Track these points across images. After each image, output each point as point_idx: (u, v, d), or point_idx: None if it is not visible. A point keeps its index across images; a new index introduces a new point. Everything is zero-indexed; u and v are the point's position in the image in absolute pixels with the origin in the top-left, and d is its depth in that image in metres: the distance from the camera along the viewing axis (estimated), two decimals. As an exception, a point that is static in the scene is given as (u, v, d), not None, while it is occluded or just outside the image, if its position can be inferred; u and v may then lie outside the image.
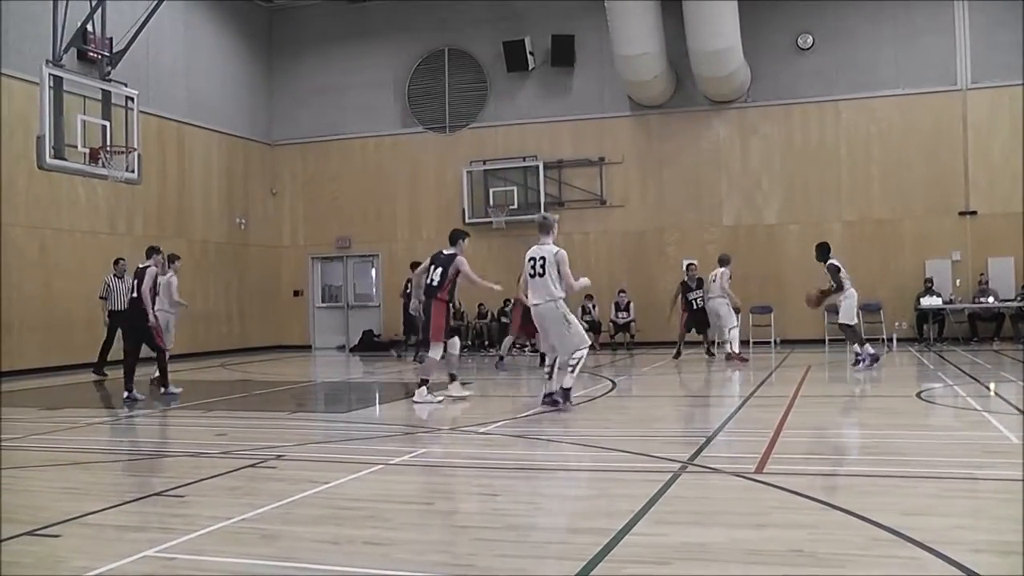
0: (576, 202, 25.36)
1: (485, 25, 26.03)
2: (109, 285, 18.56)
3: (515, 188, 25.34)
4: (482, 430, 10.22)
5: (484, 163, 25.87)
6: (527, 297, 11.72)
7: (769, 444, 8.55)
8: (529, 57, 25.36)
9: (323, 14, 27.64)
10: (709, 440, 8.93)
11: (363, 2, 26.96)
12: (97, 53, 18.28)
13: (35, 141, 16.16)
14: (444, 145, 26.54)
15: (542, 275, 11.05)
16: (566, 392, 11.32)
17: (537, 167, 25.27)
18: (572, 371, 11.23)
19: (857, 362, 16.23)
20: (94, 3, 17.28)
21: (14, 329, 19.28)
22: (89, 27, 17.87)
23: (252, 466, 8.17)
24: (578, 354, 11.22)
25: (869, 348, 16.37)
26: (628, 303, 23.76)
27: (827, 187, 23.65)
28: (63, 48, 16.94)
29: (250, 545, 5.60)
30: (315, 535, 5.77)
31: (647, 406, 13.08)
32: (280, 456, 8.59)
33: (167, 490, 7.19)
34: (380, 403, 13.49)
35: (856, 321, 16.85)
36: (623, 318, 23.79)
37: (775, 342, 23.16)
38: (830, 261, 16.43)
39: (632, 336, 23.68)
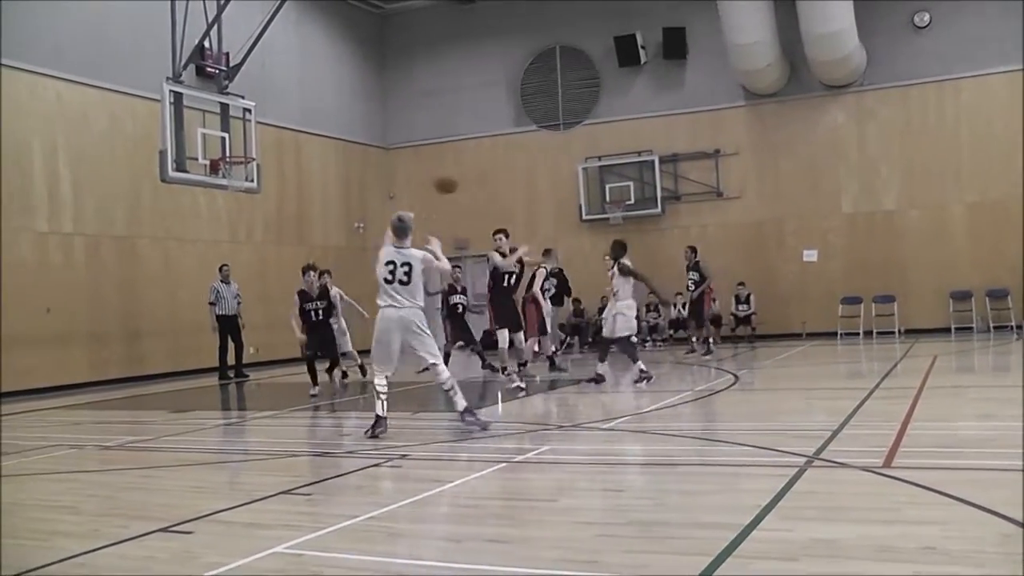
0: (693, 195, 25.11)
1: (595, 21, 25.89)
2: (217, 290, 19.08)
3: (631, 183, 25.20)
4: (605, 426, 10.21)
5: (599, 159, 25.79)
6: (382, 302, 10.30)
7: (897, 437, 8.35)
8: (640, 51, 25.20)
9: (433, 17, 27.85)
10: (835, 434, 8.74)
11: (473, 3, 27.11)
12: (214, 68, 18.78)
13: (158, 156, 16.65)
14: (558, 143, 26.51)
15: (407, 282, 10.10)
16: (467, 412, 10.18)
17: (652, 161, 25.07)
18: (455, 393, 10.15)
19: (641, 379, 13.90)
20: (210, 20, 17.71)
21: (143, 336, 20.11)
22: (206, 43, 18.36)
23: (377, 465, 8.30)
24: (445, 375, 10.15)
25: (641, 364, 14.07)
26: (748, 295, 23.28)
27: (947, 169, 22.82)
28: (182, 65, 17.43)
29: (376, 543, 5.69)
30: (440, 533, 5.84)
31: (770, 399, 12.88)
32: (404, 455, 8.69)
33: (294, 488, 7.34)
34: (502, 401, 13.52)
35: (631, 335, 14.64)
36: (743, 311, 23.37)
37: (899, 331, 22.57)
38: (621, 261, 14.33)
39: (753, 329, 23.18)
